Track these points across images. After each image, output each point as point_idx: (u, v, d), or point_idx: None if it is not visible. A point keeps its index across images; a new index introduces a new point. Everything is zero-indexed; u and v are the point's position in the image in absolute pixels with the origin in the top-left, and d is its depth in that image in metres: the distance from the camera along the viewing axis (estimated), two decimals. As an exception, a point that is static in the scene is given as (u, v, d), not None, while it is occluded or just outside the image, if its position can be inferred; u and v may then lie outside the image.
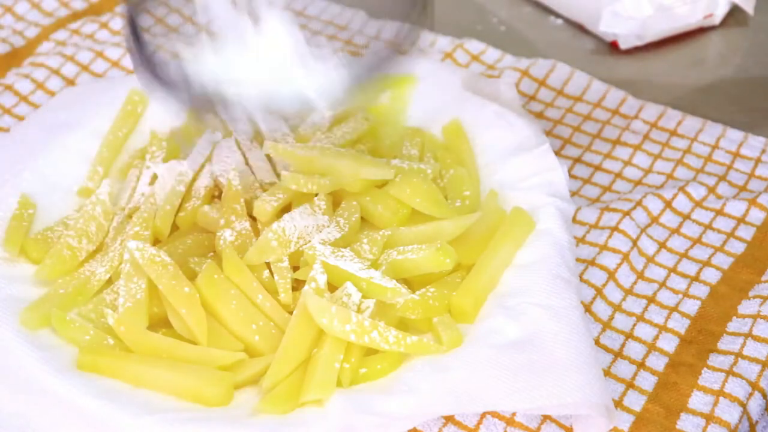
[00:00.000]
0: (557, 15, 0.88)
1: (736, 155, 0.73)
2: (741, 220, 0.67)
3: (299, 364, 0.56)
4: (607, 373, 0.58)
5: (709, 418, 0.55)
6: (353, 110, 0.71)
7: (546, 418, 0.55)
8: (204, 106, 0.58)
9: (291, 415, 0.54)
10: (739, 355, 0.59)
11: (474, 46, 0.83)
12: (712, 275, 0.64)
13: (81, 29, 0.85)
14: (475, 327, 0.58)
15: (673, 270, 0.65)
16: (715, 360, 0.59)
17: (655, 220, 0.67)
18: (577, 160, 0.74)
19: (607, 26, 0.83)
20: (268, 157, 0.67)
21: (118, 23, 0.86)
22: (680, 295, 0.63)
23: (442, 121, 0.72)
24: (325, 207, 0.63)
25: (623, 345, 0.60)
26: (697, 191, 0.69)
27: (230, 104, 0.56)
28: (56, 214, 0.67)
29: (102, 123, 0.72)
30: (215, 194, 0.66)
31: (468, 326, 0.58)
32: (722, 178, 0.71)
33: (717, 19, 0.86)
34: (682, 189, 0.69)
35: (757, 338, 0.59)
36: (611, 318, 0.61)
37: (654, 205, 0.68)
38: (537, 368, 0.55)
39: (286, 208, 0.64)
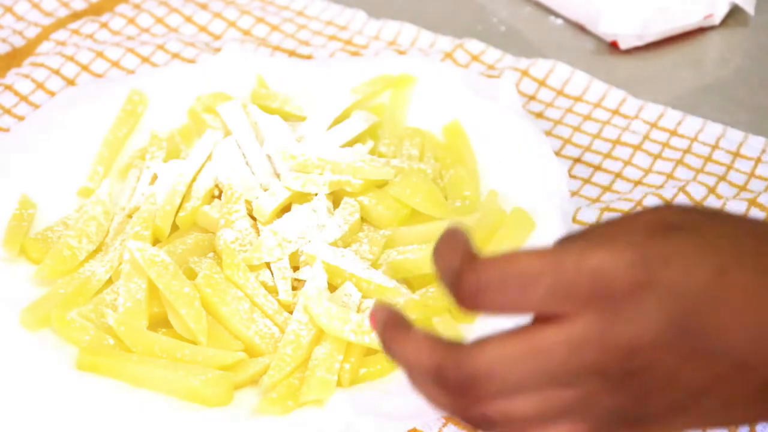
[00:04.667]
0: (557, 15, 0.88)
1: (736, 155, 0.73)
2: (741, 220, 0.67)
3: (299, 364, 0.56)
4: (607, 373, 0.58)
5: (709, 418, 0.55)
6: (353, 110, 0.71)
7: (546, 418, 0.55)
8: None
9: (291, 415, 0.54)
10: (739, 355, 0.58)
11: (474, 46, 0.83)
12: (712, 275, 0.64)
13: (81, 29, 0.85)
14: (475, 327, 0.58)
15: (673, 270, 0.64)
16: (715, 360, 0.58)
17: (655, 220, 0.67)
18: (577, 160, 0.73)
19: (607, 26, 0.83)
20: (268, 158, 0.67)
21: (118, 23, 0.86)
22: (680, 295, 0.63)
23: (442, 121, 0.72)
24: (325, 207, 0.63)
25: (623, 345, 0.60)
26: (697, 191, 0.69)
27: None
28: (56, 214, 0.67)
29: (102, 123, 0.72)
30: (215, 194, 0.66)
31: (468, 326, 0.58)
32: (722, 178, 0.71)
33: (717, 19, 0.86)
34: (682, 189, 0.69)
35: (757, 338, 0.59)
36: (611, 318, 0.61)
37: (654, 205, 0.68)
38: (537, 368, 0.55)
39: (286, 208, 0.64)
